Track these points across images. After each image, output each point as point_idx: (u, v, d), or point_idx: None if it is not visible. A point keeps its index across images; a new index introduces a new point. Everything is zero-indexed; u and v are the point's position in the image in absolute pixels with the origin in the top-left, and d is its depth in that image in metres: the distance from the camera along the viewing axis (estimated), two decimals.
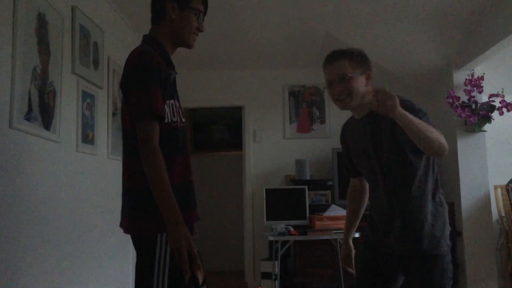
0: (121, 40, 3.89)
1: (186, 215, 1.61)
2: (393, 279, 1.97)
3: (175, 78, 1.79)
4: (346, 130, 2.09)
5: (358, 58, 1.88)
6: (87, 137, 3.10)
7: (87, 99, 3.12)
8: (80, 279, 2.96)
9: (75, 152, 2.93)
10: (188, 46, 1.83)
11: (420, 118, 1.70)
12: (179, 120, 1.72)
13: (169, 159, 1.62)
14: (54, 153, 2.66)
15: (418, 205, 1.84)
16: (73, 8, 2.95)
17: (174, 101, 1.72)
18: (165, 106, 1.65)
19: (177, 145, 1.69)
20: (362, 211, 2.18)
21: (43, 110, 2.51)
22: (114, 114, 3.63)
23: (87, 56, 3.13)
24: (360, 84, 1.86)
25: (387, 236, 1.91)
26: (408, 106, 1.73)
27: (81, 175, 3.02)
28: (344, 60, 1.86)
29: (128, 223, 1.71)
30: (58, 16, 2.73)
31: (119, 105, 3.77)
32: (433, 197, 1.86)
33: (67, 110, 2.83)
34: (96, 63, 3.28)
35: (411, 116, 1.64)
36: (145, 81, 1.62)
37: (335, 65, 1.88)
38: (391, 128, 1.82)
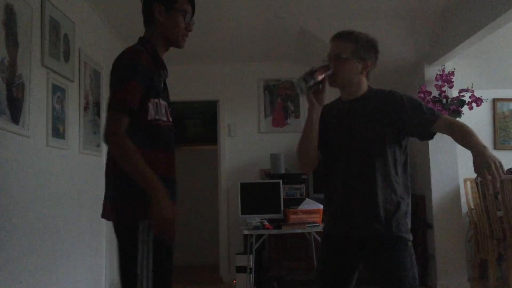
0: (93, 32, 3.82)
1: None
2: (353, 274, 1.97)
3: (165, 79, 1.86)
4: (326, 108, 2.06)
5: (363, 45, 1.92)
6: (58, 131, 3.04)
7: (58, 92, 3.06)
8: (53, 274, 2.91)
9: (45, 147, 2.87)
10: (178, 46, 1.92)
11: (428, 114, 1.85)
12: (164, 119, 1.78)
13: (148, 153, 1.69)
14: (23, 147, 2.60)
15: (376, 188, 1.86)
16: (42, 0, 2.88)
17: (159, 100, 1.76)
18: (149, 104, 1.72)
19: (158, 142, 1.75)
20: (309, 141, 1.99)
21: (11, 104, 2.45)
22: (85, 108, 3.57)
23: (57, 49, 3.06)
24: (353, 68, 1.91)
25: (347, 219, 1.91)
26: (418, 105, 1.88)
27: (52, 170, 2.96)
28: (349, 42, 1.91)
29: (110, 210, 1.74)
30: (27, 7, 2.66)
31: (91, 98, 3.70)
32: (394, 187, 1.88)
33: (37, 104, 2.76)
34: (66, 56, 3.21)
35: (475, 137, 1.76)
36: (127, 75, 1.69)
37: (338, 42, 1.93)
38: (373, 118, 1.89)
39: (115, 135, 1.64)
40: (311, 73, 1.84)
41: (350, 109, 1.97)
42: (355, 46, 1.91)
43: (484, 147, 1.68)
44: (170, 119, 1.85)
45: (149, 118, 1.72)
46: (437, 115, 1.87)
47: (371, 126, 1.89)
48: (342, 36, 1.94)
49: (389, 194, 1.87)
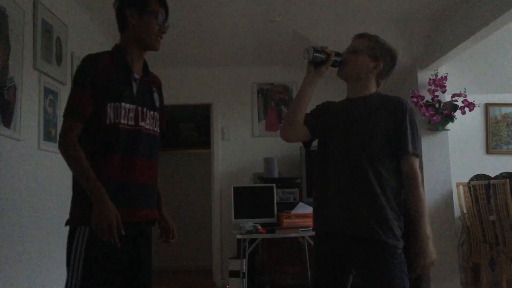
0: (85, 35, 3.80)
1: (121, 214, 1.67)
2: (347, 277, 1.94)
3: (134, 83, 1.83)
4: (330, 103, 2.09)
5: (381, 47, 1.98)
6: (50, 134, 3.02)
7: (50, 95, 3.04)
8: (45, 279, 2.88)
9: (37, 150, 2.85)
10: (153, 48, 1.91)
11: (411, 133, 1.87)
12: (126, 122, 1.77)
13: (103, 158, 1.73)
14: (15, 151, 2.57)
15: (368, 188, 1.85)
16: (35, 2, 2.86)
17: (120, 104, 1.76)
18: (107, 107, 1.74)
19: (116, 145, 1.75)
20: (296, 108, 2.00)
21: (2, 107, 2.42)
22: None
23: (49, 52, 3.04)
24: (364, 63, 1.95)
25: (339, 216, 1.88)
26: (412, 119, 1.89)
27: (43, 174, 2.93)
28: (367, 40, 1.99)
29: None
30: (19, 10, 2.64)
31: None
32: (388, 193, 1.86)
33: (28, 107, 2.74)
34: (59, 59, 3.19)
35: (424, 220, 1.81)
36: (76, 82, 1.78)
37: (358, 40, 2.01)
38: (372, 118, 1.90)
39: (64, 141, 1.71)
40: (322, 47, 1.94)
41: (352, 106, 1.97)
42: (372, 44, 1.98)
43: (428, 238, 1.77)
44: (144, 123, 1.83)
45: (107, 122, 1.73)
46: (415, 153, 1.87)
47: (368, 126, 1.89)
48: (364, 35, 2.02)
49: (381, 196, 1.85)
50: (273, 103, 5.50)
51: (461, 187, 4.81)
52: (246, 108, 5.49)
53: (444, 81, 4.42)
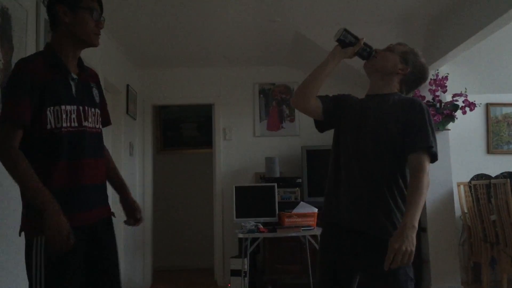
0: None
1: (72, 218, 1.65)
2: (354, 275, 1.95)
3: (72, 83, 1.79)
4: (352, 97, 2.12)
5: (413, 57, 2.03)
6: None
7: None
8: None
9: None
10: (92, 45, 1.85)
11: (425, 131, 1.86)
12: (67, 125, 1.73)
13: (47, 165, 1.68)
14: None
15: (377, 186, 1.86)
16: (37, 3, 2.88)
17: (60, 107, 1.71)
18: (47, 113, 1.68)
19: (59, 151, 1.70)
20: (312, 79, 2.03)
21: None
22: None
23: None
24: (393, 61, 2.00)
25: (349, 208, 1.90)
26: (430, 118, 1.91)
27: None
28: (404, 47, 2.06)
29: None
30: (22, 10, 2.66)
31: None
32: (396, 193, 1.87)
33: None
34: None
35: (414, 210, 1.73)
36: (11, 89, 1.68)
37: (395, 44, 2.09)
38: (385, 116, 1.91)
39: (4, 150, 1.62)
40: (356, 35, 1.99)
41: (369, 102, 2.00)
42: (407, 50, 2.04)
43: (413, 227, 1.70)
44: (87, 123, 1.80)
45: (48, 127, 1.69)
46: (431, 150, 1.85)
47: (381, 122, 1.90)
48: (403, 44, 2.09)
49: (388, 195, 1.86)
50: (274, 103, 5.52)
51: (462, 187, 4.82)
52: (248, 108, 5.51)
53: (445, 81, 4.43)
